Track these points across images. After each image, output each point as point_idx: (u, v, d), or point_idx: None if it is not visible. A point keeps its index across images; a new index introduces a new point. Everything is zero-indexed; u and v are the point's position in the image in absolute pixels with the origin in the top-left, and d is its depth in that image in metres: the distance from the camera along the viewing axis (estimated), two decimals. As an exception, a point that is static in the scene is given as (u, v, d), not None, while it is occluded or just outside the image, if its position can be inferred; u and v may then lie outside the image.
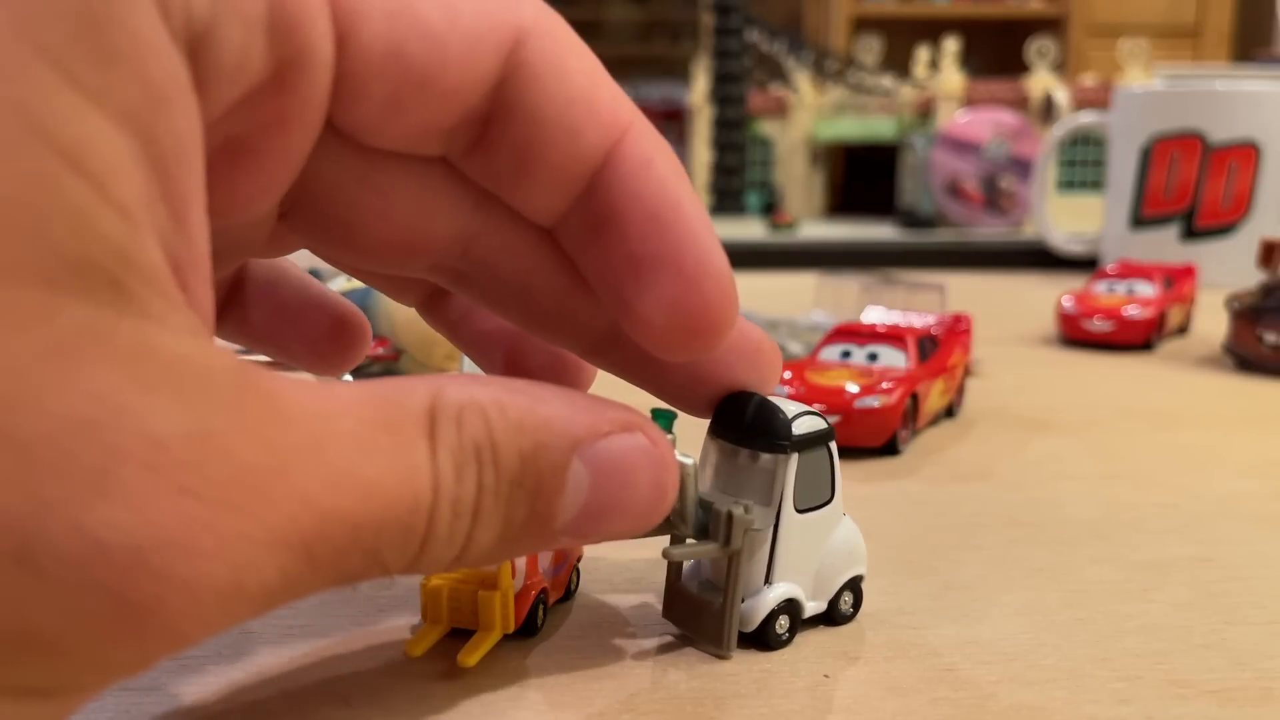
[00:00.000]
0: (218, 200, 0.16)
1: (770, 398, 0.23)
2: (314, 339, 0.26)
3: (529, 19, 0.18)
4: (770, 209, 1.20)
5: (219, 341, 0.15)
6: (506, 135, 0.18)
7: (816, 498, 0.23)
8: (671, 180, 0.19)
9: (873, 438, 0.38)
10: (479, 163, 0.19)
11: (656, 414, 0.21)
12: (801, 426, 0.22)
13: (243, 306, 0.25)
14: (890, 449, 0.38)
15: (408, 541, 0.16)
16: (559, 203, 0.19)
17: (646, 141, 0.19)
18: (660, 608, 0.25)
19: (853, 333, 0.42)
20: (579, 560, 0.26)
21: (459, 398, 0.17)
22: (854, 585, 0.24)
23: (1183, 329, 0.62)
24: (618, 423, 0.18)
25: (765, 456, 0.22)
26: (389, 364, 0.40)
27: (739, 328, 0.22)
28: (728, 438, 0.23)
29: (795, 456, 0.22)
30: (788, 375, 0.39)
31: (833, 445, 0.23)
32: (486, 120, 0.18)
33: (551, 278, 0.21)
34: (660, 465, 0.19)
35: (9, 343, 0.12)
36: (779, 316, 0.62)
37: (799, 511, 0.23)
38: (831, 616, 0.24)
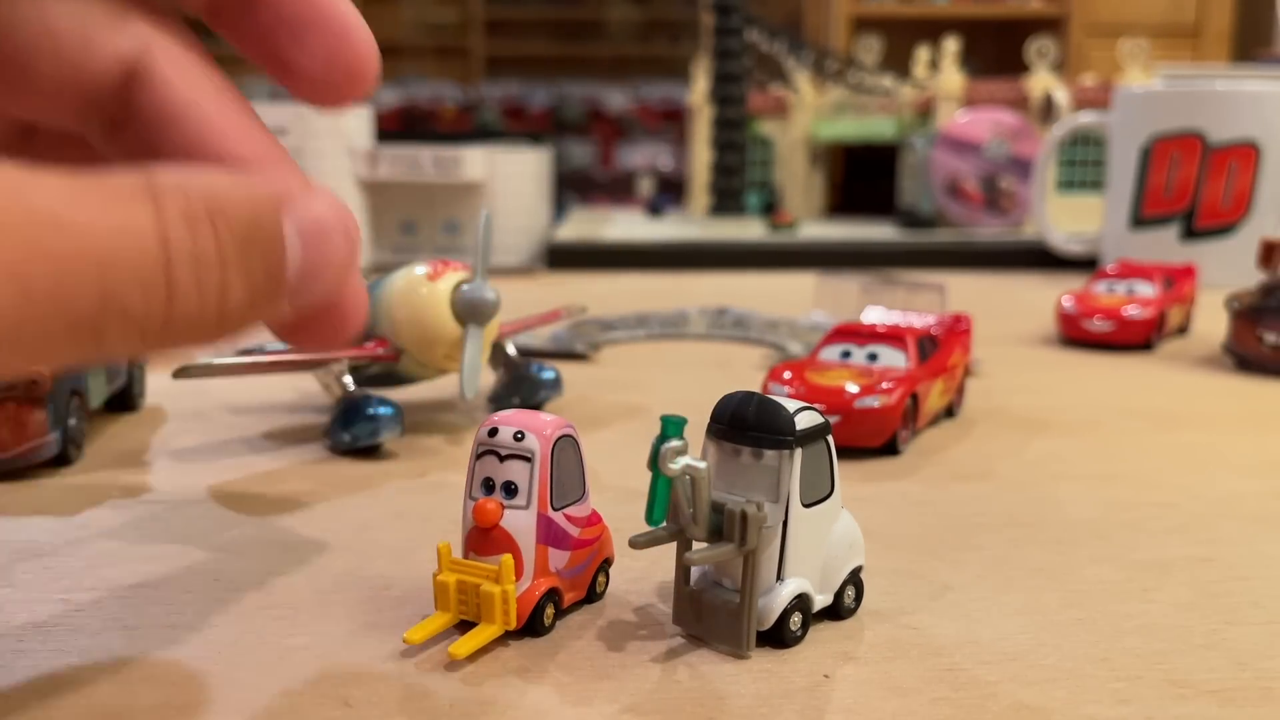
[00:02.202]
0: None
1: (769, 396, 0.23)
2: (326, 58, 0.23)
3: None
4: (770, 209, 1.20)
5: None
6: None
7: (819, 491, 0.23)
8: None
9: (873, 438, 0.38)
10: None
11: (667, 421, 0.21)
12: (802, 422, 0.23)
13: (249, 12, 0.23)
14: (890, 449, 0.38)
15: (148, 288, 0.16)
16: None
17: None
18: (663, 608, 0.25)
19: (853, 333, 0.42)
20: (608, 563, 0.25)
21: (176, 175, 0.18)
22: (855, 577, 0.25)
23: (1183, 329, 0.62)
24: (303, 185, 0.20)
25: (769, 453, 0.22)
26: (389, 365, 0.40)
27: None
28: (729, 438, 0.23)
29: (799, 451, 0.22)
30: (788, 375, 0.39)
31: (830, 439, 0.23)
32: None
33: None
34: (345, 219, 0.20)
35: None
36: (779, 316, 0.62)
37: (805, 506, 0.23)
38: (836, 610, 0.24)
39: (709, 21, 1.21)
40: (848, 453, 0.37)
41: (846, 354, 0.41)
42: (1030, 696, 0.21)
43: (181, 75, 0.22)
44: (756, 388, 0.38)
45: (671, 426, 0.21)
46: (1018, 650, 0.23)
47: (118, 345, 0.17)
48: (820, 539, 0.24)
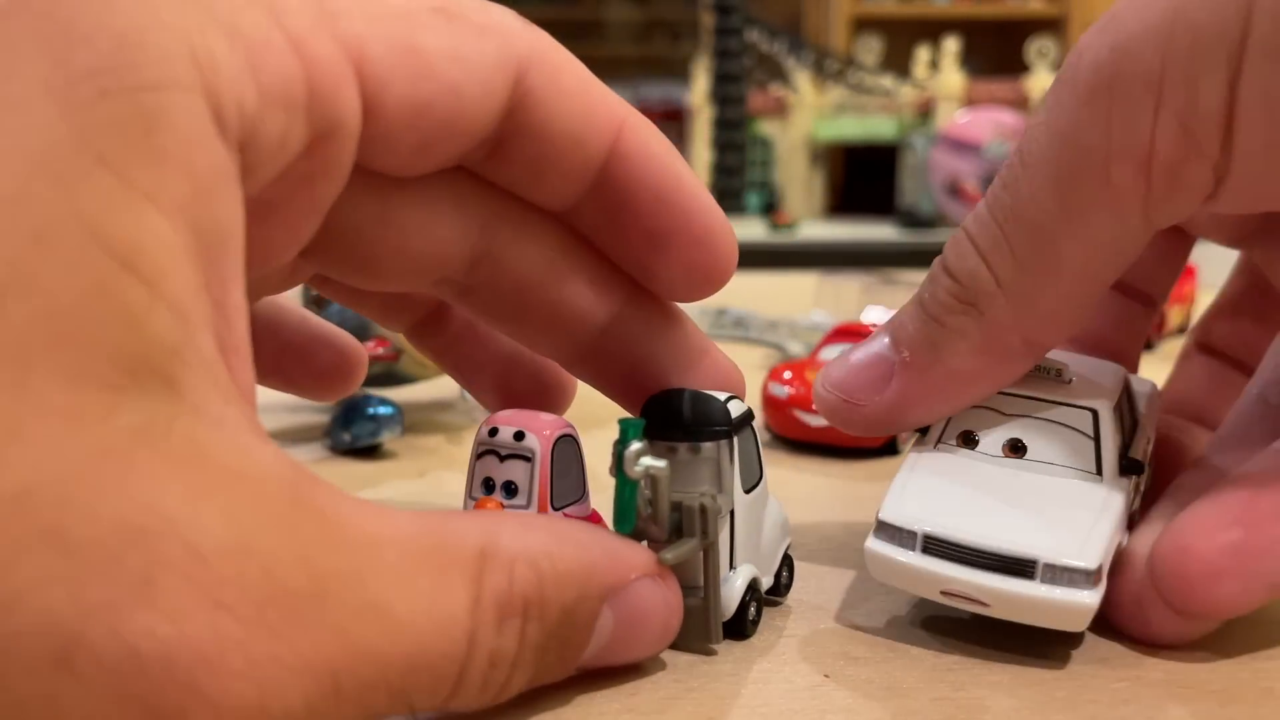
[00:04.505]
0: (250, 256, 0.17)
1: (697, 390, 0.23)
2: (319, 373, 0.28)
3: (526, 49, 0.20)
4: (770, 209, 1.20)
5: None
6: (518, 149, 0.20)
7: (752, 478, 0.24)
8: (667, 161, 0.21)
9: (873, 437, 0.37)
10: (494, 169, 0.21)
11: (626, 424, 0.21)
12: (734, 410, 0.23)
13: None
14: (890, 449, 0.38)
15: (437, 686, 0.16)
16: (570, 195, 0.21)
17: (640, 133, 0.21)
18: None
19: (853, 333, 0.42)
20: None
21: (513, 547, 0.18)
22: (787, 557, 0.25)
23: (1183, 329, 0.61)
24: (641, 568, 0.20)
25: (707, 445, 0.22)
26: (389, 364, 0.39)
27: (712, 358, 0.25)
28: (666, 436, 0.23)
29: (737, 439, 0.23)
30: (788, 375, 0.39)
31: (753, 425, 0.24)
32: (498, 139, 0.20)
33: (548, 292, 0.23)
34: (671, 610, 0.21)
35: (68, 442, 0.13)
36: (779, 316, 0.62)
37: (745, 492, 0.23)
38: (774, 590, 0.25)
39: (709, 21, 1.21)
40: (848, 453, 0.37)
41: (846, 354, 0.41)
42: (1030, 696, 0.21)
43: (522, 258, 0.22)
44: (757, 388, 0.38)
45: (631, 429, 0.21)
46: (1018, 650, 0.23)
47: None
48: (758, 524, 0.24)
